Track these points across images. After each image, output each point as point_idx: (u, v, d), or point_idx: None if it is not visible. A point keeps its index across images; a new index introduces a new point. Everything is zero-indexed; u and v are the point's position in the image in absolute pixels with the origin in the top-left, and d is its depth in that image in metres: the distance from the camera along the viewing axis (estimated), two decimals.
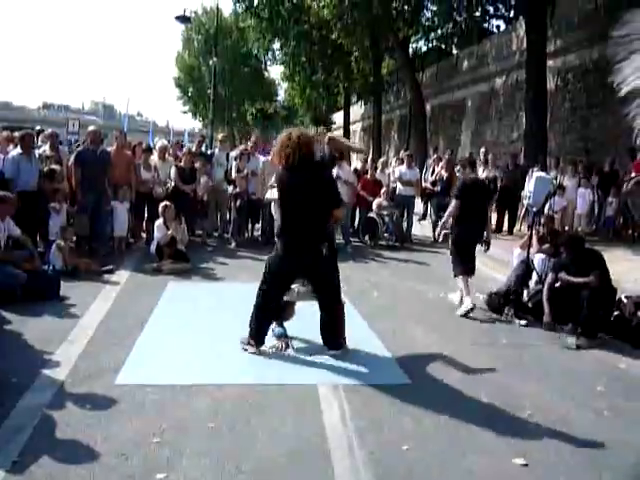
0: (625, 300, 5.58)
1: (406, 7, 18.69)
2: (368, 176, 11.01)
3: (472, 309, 5.91)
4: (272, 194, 4.82)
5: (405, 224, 10.98)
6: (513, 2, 18.92)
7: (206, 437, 3.11)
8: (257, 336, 4.45)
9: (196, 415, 3.36)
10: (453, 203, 6.32)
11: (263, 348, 4.47)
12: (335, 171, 7.53)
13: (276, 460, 2.90)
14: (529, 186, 6.87)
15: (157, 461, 2.83)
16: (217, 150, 10.52)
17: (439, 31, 20.00)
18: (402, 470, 2.87)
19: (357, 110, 35.28)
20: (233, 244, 9.44)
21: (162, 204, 7.88)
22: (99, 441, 2.97)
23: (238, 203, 9.60)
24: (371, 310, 5.95)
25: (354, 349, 4.59)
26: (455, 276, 6.30)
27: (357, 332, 4.92)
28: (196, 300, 6.14)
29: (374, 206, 10.39)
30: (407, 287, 7.22)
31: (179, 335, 4.84)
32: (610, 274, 5.50)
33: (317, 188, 4.23)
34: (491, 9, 19.99)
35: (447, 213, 6.52)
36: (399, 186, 10.97)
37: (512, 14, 20.10)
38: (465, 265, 6.22)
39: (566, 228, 10.39)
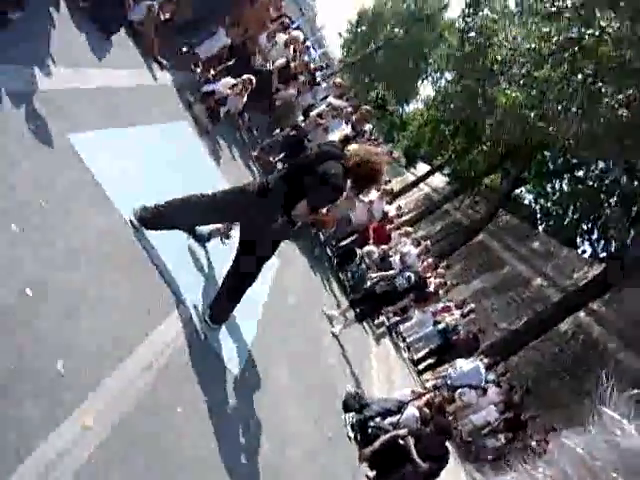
0: None
1: None
2: (387, 227, 11.08)
3: None
4: None
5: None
6: None
7: None
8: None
9: None
10: None
11: None
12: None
13: None
14: (463, 364, 7.00)
15: None
16: (324, 85, 10.50)
17: None
18: None
19: None
20: (255, 152, 9.34)
21: (248, 76, 7.72)
22: None
23: (291, 133, 9.48)
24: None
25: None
26: None
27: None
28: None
29: (367, 248, 10.43)
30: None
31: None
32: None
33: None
34: None
35: None
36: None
37: None
38: None
39: (451, 418, 10.56)
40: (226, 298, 4.10)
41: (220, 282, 4.21)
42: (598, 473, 0.55)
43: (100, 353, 2.85)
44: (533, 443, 10.62)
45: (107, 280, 3.26)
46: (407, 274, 8.64)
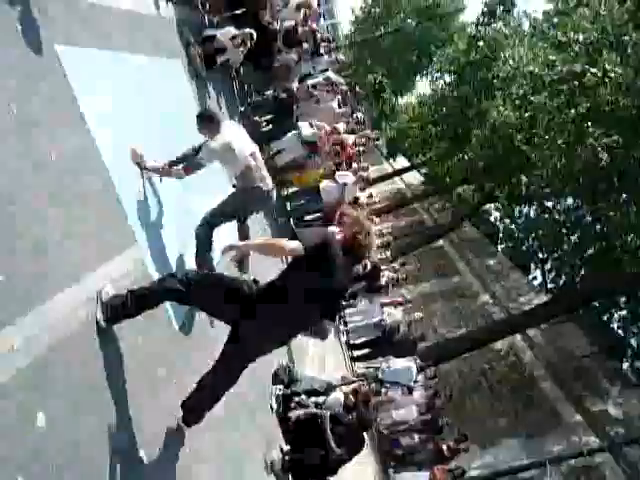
0: None
1: None
2: None
3: None
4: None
5: None
6: None
7: None
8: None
9: None
10: None
11: None
12: None
13: None
14: (398, 362, 7.12)
15: None
16: (326, 58, 10.35)
17: None
18: None
19: None
20: (242, 107, 9.15)
21: (250, 31, 7.51)
22: None
23: (277, 93, 9.34)
24: None
25: None
26: None
27: None
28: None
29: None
30: None
31: None
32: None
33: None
34: None
35: None
36: None
37: None
38: None
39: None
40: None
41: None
42: None
43: (44, 277, 2.77)
44: (444, 447, 10.96)
45: (64, 202, 3.15)
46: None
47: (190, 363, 4.03)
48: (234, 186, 5.28)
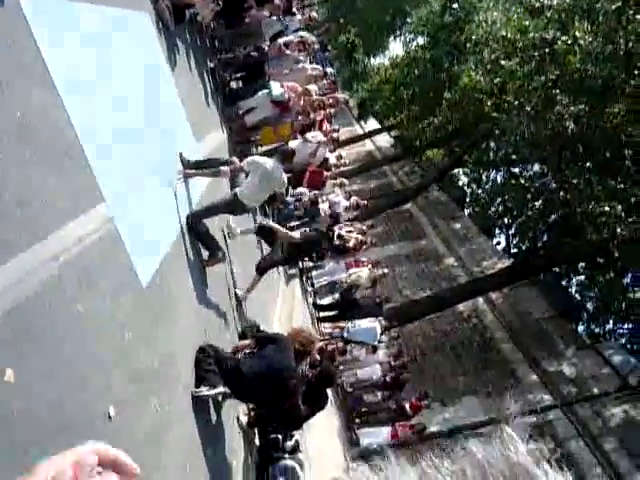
0: None
1: None
2: (324, 174, 11.11)
3: None
4: None
5: None
6: None
7: None
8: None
9: None
10: None
11: None
12: None
13: None
14: (362, 322, 7.27)
15: None
16: (298, 17, 10.14)
17: None
18: None
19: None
20: (212, 64, 8.99)
21: None
22: None
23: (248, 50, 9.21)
24: None
25: None
26: None
27: None
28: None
29: (300, 189, 10.45)
30: None
31: None
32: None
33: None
34: None
35: None
36: None
37: None
38: None
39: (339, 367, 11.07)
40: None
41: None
42: (488, 476, 0.69)
43: (8, 234, 2.73)
44: (406, 404, 11.36)
45: (30, 159, 3.08)
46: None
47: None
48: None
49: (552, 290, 18.52)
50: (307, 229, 8.78)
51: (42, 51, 3.49)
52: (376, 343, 10.93)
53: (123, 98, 4.64)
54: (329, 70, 13.05)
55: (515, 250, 23.97)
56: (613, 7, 11.53)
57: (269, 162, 5.94)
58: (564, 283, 21.30)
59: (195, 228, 5.58)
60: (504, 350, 15.04)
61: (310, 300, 12.32)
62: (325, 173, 11.22)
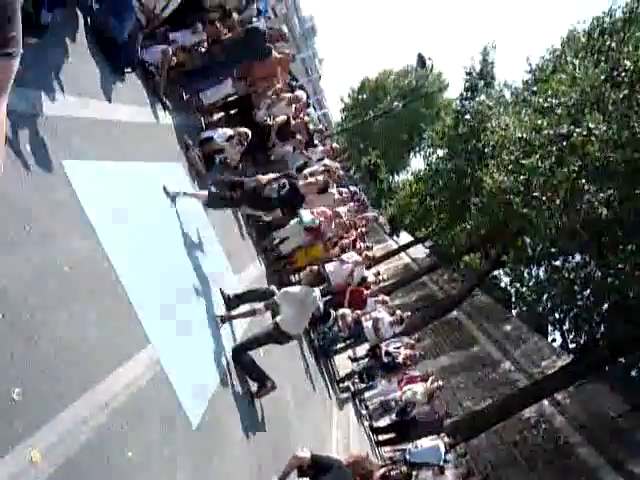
0: None
1: None
2: (364, 292, 11.13)
3: None
4: None
5: None
6: None
7: None
8: None
9: None
10: None
11: None
12: None
13: None
14: (424, 442, 6.90)
15: None
16: (320, 148, 10.73)
17: None
18: None
19: None
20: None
21: (245, 130, 7.80)
22: None
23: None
24: None
25: None
26: None
27: None
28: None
29: (342, 310, 10.44)
30: None
31: None
32: None
33: None
34: None
35: None
36: None
37: None
38: None
39: None
40: None
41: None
42: None
43: (58, 385, 2.77)
44: None
45: (77, 308, 3.20)
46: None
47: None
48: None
49: (622, 382, 17.35)
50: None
51: (84, 207, 3.76)
52: (442, 463, 10.22)
53: (165, 244, 4.89)
54: (354, 189, 13.50)
55: (573, 345, 22.82)
56: (621, 95, 11.88)
57: (299, 289, 6.23)
58: (634, 373, 19.94)
59: (240, 361, 5.57)
60: (582, 454, 13.84)
61: (366, 424, 11.78)
62: (365, 291, 11.23)
